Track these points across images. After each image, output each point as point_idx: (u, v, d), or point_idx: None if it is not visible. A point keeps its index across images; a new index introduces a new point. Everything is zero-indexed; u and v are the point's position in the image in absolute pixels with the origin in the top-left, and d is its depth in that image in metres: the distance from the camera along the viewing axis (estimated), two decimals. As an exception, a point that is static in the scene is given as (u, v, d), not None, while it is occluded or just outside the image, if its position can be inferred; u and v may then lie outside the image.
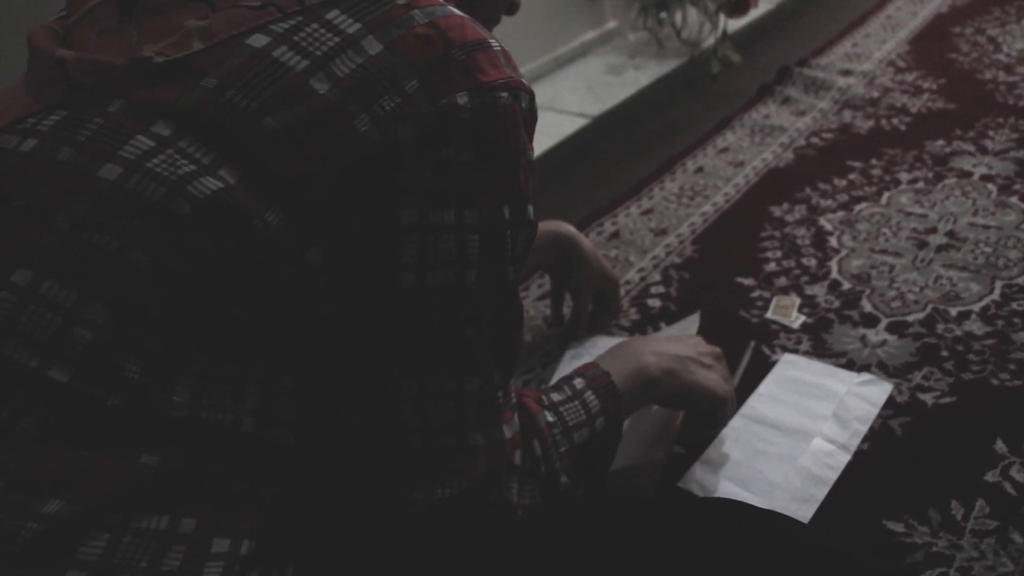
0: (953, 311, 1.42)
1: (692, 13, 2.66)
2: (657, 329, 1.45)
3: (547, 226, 1.31)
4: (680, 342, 1.04)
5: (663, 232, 1.76)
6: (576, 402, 0.87)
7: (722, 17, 2.58)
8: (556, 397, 0.87)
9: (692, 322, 1.38)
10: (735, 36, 2.66)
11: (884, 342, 1.37)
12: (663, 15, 2.63)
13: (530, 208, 0.72)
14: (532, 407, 0.83)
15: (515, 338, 0.75)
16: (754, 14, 2.68)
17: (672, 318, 1.47)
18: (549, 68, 2.62)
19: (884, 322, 1.42)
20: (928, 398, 1.24)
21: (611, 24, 2.82)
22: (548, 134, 2.19)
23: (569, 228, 1.34)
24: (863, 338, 1.38)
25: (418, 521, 0.72)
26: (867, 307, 1.46)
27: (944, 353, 1.33)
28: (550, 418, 0.84)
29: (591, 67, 2.65)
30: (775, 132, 2.17)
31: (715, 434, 1.18)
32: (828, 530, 1.04)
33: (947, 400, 1.23)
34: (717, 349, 1.08)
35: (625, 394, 0.92)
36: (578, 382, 0.90)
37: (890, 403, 1.24)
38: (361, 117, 0.59)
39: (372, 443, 0.71)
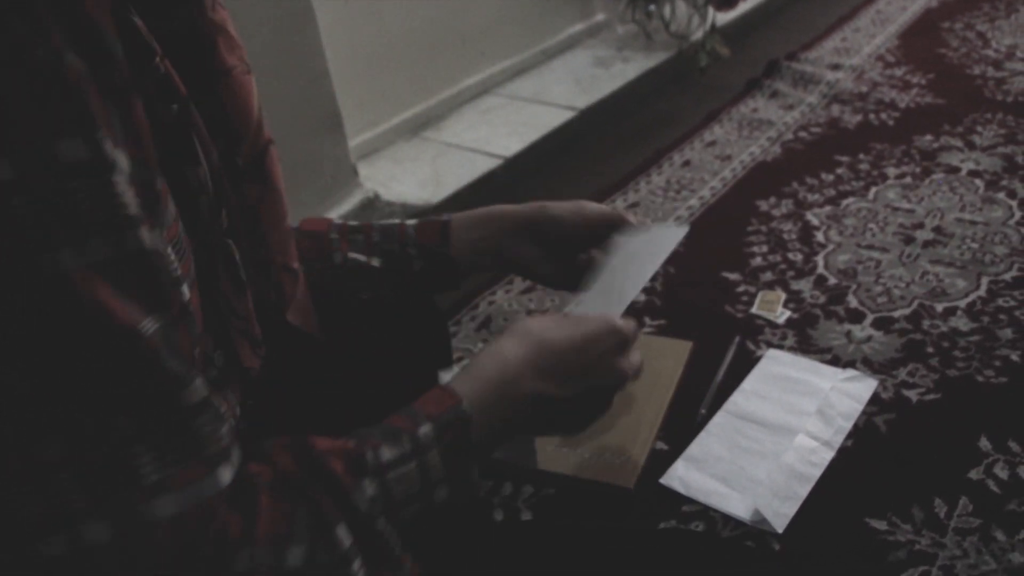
0: (939, 307, 1.41)
1: (681, 6, 2.64)
2: (643, 325, 1.44)
3: (470, 216, 0.97)
4: (577, 353, 0.73)
5: (649, 226, 1.75)
6: (413, 464, 0.61)
7: (711, 10, 2.57)
8: (386, 455, 0.60)
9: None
10: (724, 29, 2.64)
11: (869, 338, 1.35)
12: (652, 8, 2.61)
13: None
14: (343, 476, 0.57)
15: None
16: (743, 7, 2.66)
17: (657, 313, 1.46)
18: (536, 60, 2.61)
19: (870, 318, 1.40)
20: (913, 395, 1.23)
21: (599, 16, 2.81)
22: (534, 127, 2.17)
23: (500, 207, 0.98)
24: (848, 334, 1.37)
25: None
26: (853, 302, 1.45)
27: (930, 349, 1.32)
28: (369, 491, 0.58)
29: (579, 60, 2.63)
30: (763, 126, 2.15)
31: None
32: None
33: (932, 397, 1.22)
34: (625, 334, 0.76)
35: (483, 447, 0.67)
36: (423, 432, 0.62)
37: (875, 400, 1.23)
38: None
39: None
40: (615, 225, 0.94)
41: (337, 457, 0.58)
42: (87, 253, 0.43)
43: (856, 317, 1.41)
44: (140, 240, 0.45)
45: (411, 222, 0.96)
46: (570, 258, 0.97)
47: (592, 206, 0.95)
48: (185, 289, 0.52)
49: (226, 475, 0.51)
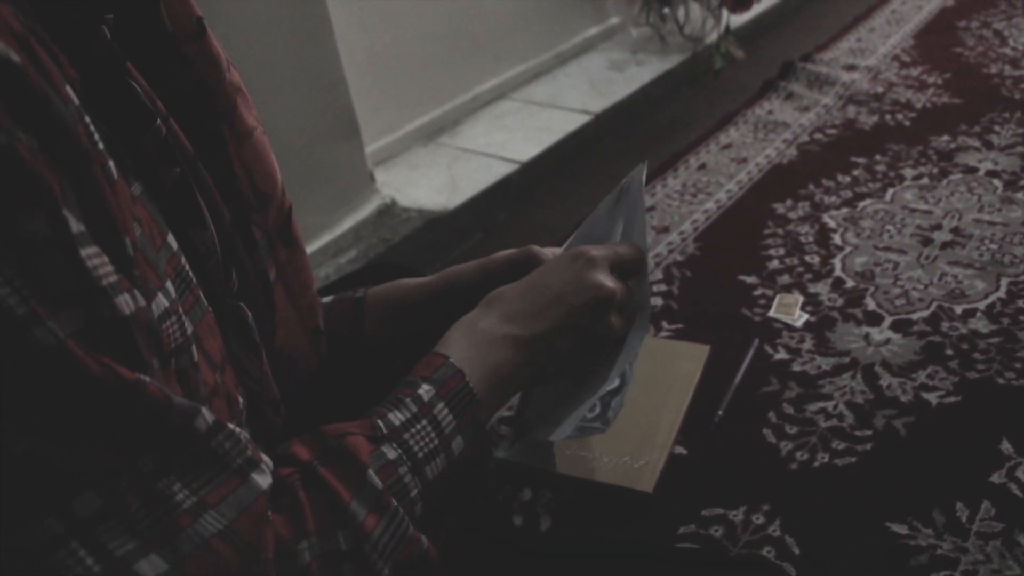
0: (958, 309, 1.41)
1: (695, 8, 2.64)
2: (660, 329, 1.44)
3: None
4: (535, 288, 0.74)
5: (665, 230, 1.75)
6: (425, 421, 0.64)
7: (725, 13, 2.56)
8: (397, 418, 0.63)
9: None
10: (738, 31, 2.64)
11: (888, 340, 1.35)
12: (666, 11, 2.61)
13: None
14: (361, 448, 0.59)
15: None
16: (757, 9, 2.66)
17: (675, 317, 1.46)
18: (551, 64, 2.61)
19: (888, 320, 1.40)
20: (932, 397, 1.23)
21: (613, 20, 2.81)
22: (550, 131, 2.18)
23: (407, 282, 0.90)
24: (867, 336, 1.37)
25: None
26: (871, 305, 1.44)
27: (949, 352, 1.31)
28: (391, 455, 0.61)
29: (593, 63, 2.63)
30: (778, 128, 2.15)
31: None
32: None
33: (952, 399, 1.22)
34: (591, 255, 0.75)
35: (482, 398, 0.68)
36: (424, 390, 0.65)
37: (894, 403, 1.22)
38: None
39: None
40: (526, 263, 0.84)
41: (351, 434, 0.60)
42: (64, 325, 0.42)
43: (874, 320, 1.40)
44: (115, 307, 0.45)
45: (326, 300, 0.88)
46: None
47: (498, 256, 0.86)
48: (187, 325, 0.53)
49: (262, 481, 0.52)
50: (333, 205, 1.82)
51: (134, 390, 0.45)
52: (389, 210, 1.91)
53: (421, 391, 0.65)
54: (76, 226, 0.43)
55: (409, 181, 2.06)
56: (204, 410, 0.49)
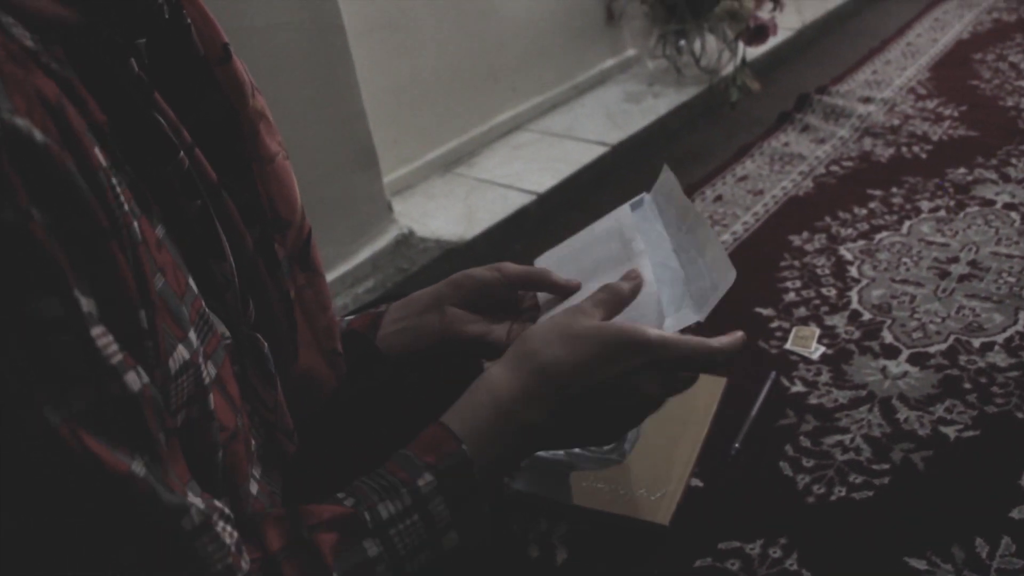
0: (976, 342, 1.40)
1: (711, 41, 2.66)
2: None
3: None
4: (581, 376, 0.65)
5: (681, 261, 1.75)
6: (416, 517, 0.59)
7: (741, 45, 2.58)
8: (387, 511, 0.59)
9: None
10: (754, 63, 2.65)
11: (905, 374, 1.35)
12: (682, 43, 2.63)
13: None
14: (328, 550, 0.56)
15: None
16: (772, 41, 2.68)
17: (690, 348, 1.46)
18: (568, 96, 2.63)
19: (905, 353, 1.40)
20: (951, 431, 1.22)
21: (630, 52, 2.83)
22: (567, 162, 2.19)
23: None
24: (884, 369, 1.36)
25: None
26: (888, 338, 1.44)
27: (967, 385, 1.31)
28: (372, 551, 0.57)
29: (610, 94, 2.65)
30: (795, 160, 2.16)
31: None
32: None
33: (970, 434, 1.21)
34: (658, 348, 0.66)
35: (485, 481, 0.63)
36: (425, 483, 0.60)
37: (911, 436, 1.22)
38: None
39: None
40: (539, 284, 0.82)
41: (329, 529, 0.57)
42: (69, 405, 0.43)
43: (891, 352, 1.40)
44: (124, 385, 0.45)
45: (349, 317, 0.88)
46: (499, 319, 0.83)
47: (512, 264, 0.83)
48: (208, 371, 0.53)
49: None
50: (351, 235, 1.84)
51: (124, 484, 0.45)
52: (407, 240, 1.92)
53: (420, 484, 0.60)
54: (87, 305, 0.43)
55: (426, 211, 2.07)
56: (193, 509, 0.49)
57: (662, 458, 1.18)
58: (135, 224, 0.48)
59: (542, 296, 0.84)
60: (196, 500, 0.49)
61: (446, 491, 0.61)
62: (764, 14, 2.54)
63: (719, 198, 2.01)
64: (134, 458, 0.45)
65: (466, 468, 0.61)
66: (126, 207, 0.47)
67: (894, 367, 1.37)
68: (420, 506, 0.60)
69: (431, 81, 2.20)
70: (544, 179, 2.12)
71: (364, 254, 1.86)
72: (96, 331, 0.44)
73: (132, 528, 0.46)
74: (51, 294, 0.42)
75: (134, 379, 0.46)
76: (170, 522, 0.48)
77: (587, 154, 2.24)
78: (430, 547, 0.60)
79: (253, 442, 0.63)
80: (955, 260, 1.64)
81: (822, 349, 1.43)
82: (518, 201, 2.06)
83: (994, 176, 1.95)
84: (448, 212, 2.06)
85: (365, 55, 1.87)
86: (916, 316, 1.49)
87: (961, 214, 1.81)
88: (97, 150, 0.46)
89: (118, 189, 0.47)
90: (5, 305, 0.41)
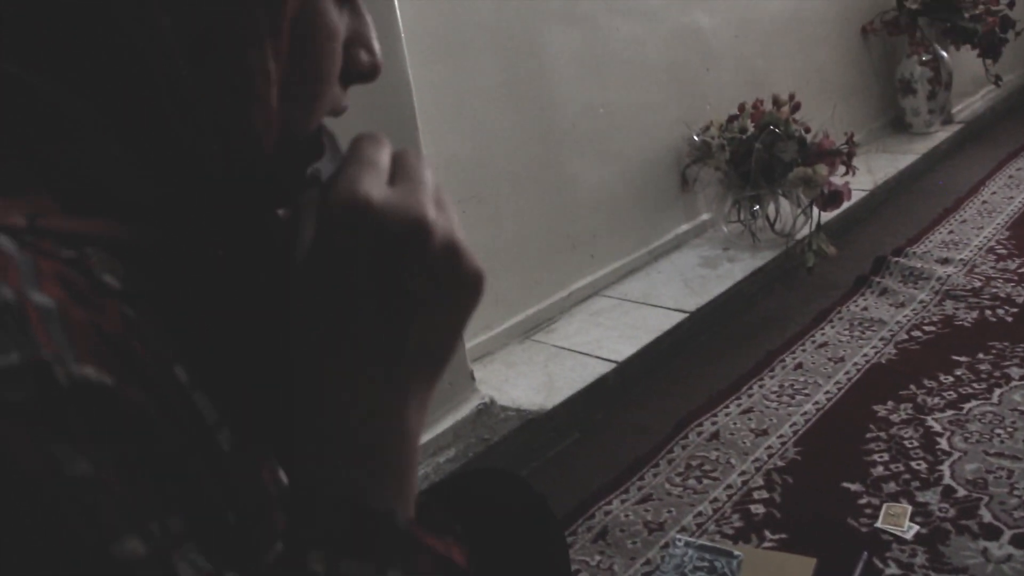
0: (1081, 523, 1.35)
1: (785, 205, 2.70)
2: (763, 539, 1.41)
3: None
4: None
5: (764, 432, 1.74)
6: None
7: (815, 209, 2.62)
8: None
9: None
10: (827, 225, 2.68)
11: (1009, 557, 1.29)
12: (756, 208, 2.68)
13: None
14: None
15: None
16: (846, 203, 2.71)
17: (778, 527, 1.43)
18: (644, 261, 2.69)
19: (1007, 534, 1.35)
20: (1061, 623, 1.16)
21: (704, 216, 2.89)
22: (645, 328, 2.22)
23: None
24: (984, 551, 1.31)
25: None
26: (986, 516, 1.39)
27: (1075, 571, 1.25)
28: None
29: (685, 260, 2.70)
30: (875, 325, 2.15)
31: None
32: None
33: (1083, 626, 1.15)
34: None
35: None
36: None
37: (1019, 628, 1.16)
38: None
39: None
40: None
41: None
42: None
43: (992, 533, 1.35)
44: None
45: None
46: None
47: None
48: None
49: None
50: (435, 403, 1.86)
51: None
52: (488, 409, 1.95)
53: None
54: (176, 527, 0.44)
55: (506, 379, 2.11)
56: None
57: None
58: (219, 438, 0.49)
59: None
60: None
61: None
62: (837, 179, 2.58)
63: (799, 366, 2.00)
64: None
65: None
66: (208, 422, 0.49)
67: (996, 549, 1.32)
68: None
69: (512, 249, 2.28)
70: (623, 347, 2.15)
71: (446, 423, 1.88)
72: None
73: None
74: (131, 533, 0.43)
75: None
76: None
77: (665, 321, 2.26)
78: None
79: None
80: (1051, 432, 1.60)
81: (915, 528, 1.39)
82: (597, 369, 2.08)
83: (1085, 341, 1.91)
84: (528, 380, 2.09)
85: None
86: (1016, 492, 1.44)
87: (1053, 382, 1.77)
88: (178, 369, 0.47)
89: (199, 405, 0.48)
90: (92, 549, 0.42)
